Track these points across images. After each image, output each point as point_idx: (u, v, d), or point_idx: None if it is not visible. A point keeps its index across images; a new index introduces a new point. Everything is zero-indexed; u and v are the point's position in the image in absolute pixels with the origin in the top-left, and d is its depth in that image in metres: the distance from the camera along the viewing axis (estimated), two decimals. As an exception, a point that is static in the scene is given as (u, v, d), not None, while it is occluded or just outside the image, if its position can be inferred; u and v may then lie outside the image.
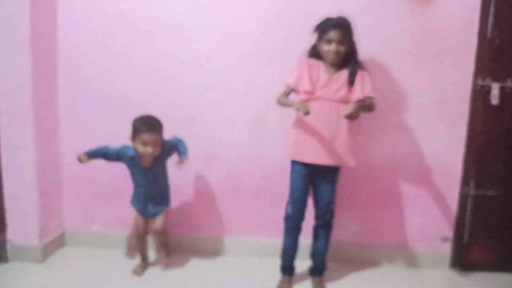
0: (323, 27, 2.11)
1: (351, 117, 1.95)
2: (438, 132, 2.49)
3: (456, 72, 2.42)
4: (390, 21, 2.40)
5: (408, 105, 2.47)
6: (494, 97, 2.37)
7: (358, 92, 2.13)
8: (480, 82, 2.40)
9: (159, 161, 2.32)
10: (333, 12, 2.20)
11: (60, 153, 2.62)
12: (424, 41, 2.41)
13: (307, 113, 1.96)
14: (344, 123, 2.12)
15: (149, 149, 2.18)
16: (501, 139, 2.46)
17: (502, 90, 2.38)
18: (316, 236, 2.31)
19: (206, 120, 2.56)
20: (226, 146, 2.57)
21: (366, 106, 2.12)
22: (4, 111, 2.34)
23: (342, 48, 2.09)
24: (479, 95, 2.42)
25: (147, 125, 2.19)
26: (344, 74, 2.14)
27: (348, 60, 2.15)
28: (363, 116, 2.31)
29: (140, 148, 2.19)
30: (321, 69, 2.15)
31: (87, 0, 2.49)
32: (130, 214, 2.46)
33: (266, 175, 2.57)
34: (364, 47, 2.38)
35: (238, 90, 2.49)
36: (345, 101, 2.12)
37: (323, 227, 2.28)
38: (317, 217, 2.26)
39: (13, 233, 2.44)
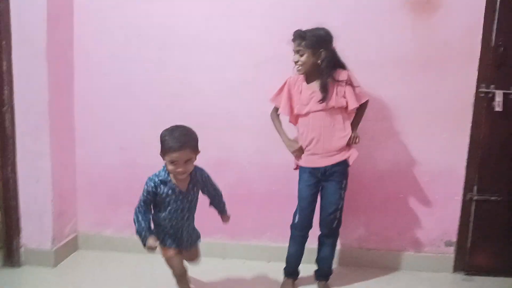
0: (291, 40, 2.06)
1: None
2: (442, 138, 2.41)
3: (460, 79, 2.35)
4: (394, 30, 2.33)
5: (412, 111, 2.40)
6: (498, 104, 2.28)
7: (352, 102, 2.06)
8: (483, 89, 2.32)
9: (195, 184, 1.94)
10: (340, 22, 2.13)
11: (75, 159, 2.57)
12: (428, 49, 2.33)
13: (297, 155, 2.11)
14: (338, 125, 2.07)
15: (179, 169, 1.78)
16: (504, 145, 2.37)
17: (506, 97, 2.30)
18: (321, 244, 2.23)
19: (218, 126, 2.50)
20: (237, 152, 2.51)
21: (360, 116, 2.16)
22: (21, 118, 2.30)
23: (302, 58, 2.01)
24: (483, 101, 2.34)
25: (174, 140, 1.76)
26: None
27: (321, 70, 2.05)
28: (367, 123, 2.28)
29: (169, 167, 1.80)
30: (302, 84, 2.09)
31: (103, 11, 2.45)
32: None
33: (275, 180, 2.50)
34: (368, 56, 2.35)
35: (249, 98, 2.43)
36: (339, 109, 2.06)
37: (328, 236, 2.19)
38: (322, 225, 2.17)
39: (27, 238, 2.38)
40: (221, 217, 2.09)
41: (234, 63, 2.43)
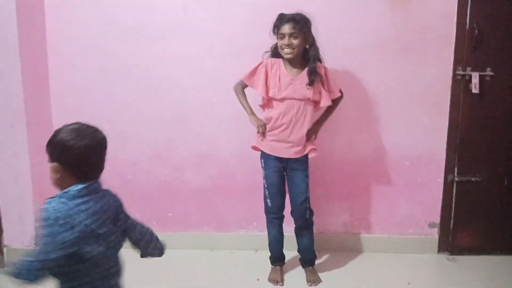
0: (277, 24, 2.01)
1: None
2: (421, 122, 2.42)
3: (437, 63, 2.36)
4: (372, 16, 2.33)
5: (392, 96, 2.40)
6: (475, 86, 2.30)
7: (326, 101, 2.07)
8: (460, 71, 2.34)
9: None
10: (318, 9, 2.12)
11: (54, 157, 2.50)
12: (405, 35, 2.34)
13: (262, 132, 2.08)
14: (308, 118, 2.07)
15: None
16: (483, 126, 2.40)
17: (482, 78, 2.32)
18: (299, 236, 2.23)
19: (198, 119, 2.46)
20: (218, 144, 2.48)
21: (333, 109, 2.16)
22: (-4, 117, 2.22)
23: (295, 41, 1.97)
24: (460, 84, 2.36)
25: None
26: (305, 73, 2.03)
27: (307, 57, 2.04)
28: (347, 109, 2.28)
29: None
30: (282, 68, 2.05)
31: (76, 4, 2.38)
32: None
33: (258, 170, 2.45)
34: (347, 43, 2.35)
35: (229, 89, 2.37)
36: (312, 101, 2.05)
37: (305, 227, 2.19)
38: (296, 217, 2.17)
39: (9, 238, 2.32)
40: None
41: (213, 54, 2.39)
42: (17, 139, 2.24)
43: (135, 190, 2.51)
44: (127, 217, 1.35)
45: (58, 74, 2.44)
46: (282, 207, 2.17)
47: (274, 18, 2.13)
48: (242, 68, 2.32)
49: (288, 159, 2.10)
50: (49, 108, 2.46)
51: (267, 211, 2.20)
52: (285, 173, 2.16)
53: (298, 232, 2.22)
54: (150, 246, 1.38)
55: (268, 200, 2.16)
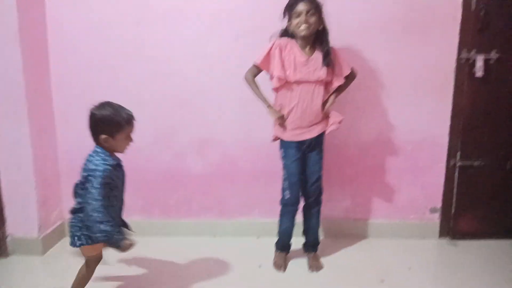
0: (291, 4, 1.96)
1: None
2: (424, 106, 2.38)
3: (441, 45, 2.30)
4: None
5: (394, 79, 2.36)
6: (479, 69, 2.25)
7: (339, 80, 2.04)
8: (465, 55, 2.28)
9: None
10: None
11: (56, 145, 2.48)
12: (409, 16, 2.28)
13: (280, 123, 2.04)
14: (322, 97, 2.03)
15: (131, 140, 1.72)
16: (486, 111, 2.35)
17: (487, 62, 2.26)
18: (307, 215, 2.22)
19: (200, 104, 2.42)
20: (220, 129, 2.44)
21: (345, 87, 2.11)
22: (-3, 105, 2.19)
23: (312, 19, 1.92)
24: (464, 67, 2.30)
25: (123, 113, 1.65)
26: (320, 55, 1.99)
27: (320, 39, 1.99)
28: (350, 93, 2.22)
29: (123, 144, 1.68)
30: (295, 49, 1.99)
31: (74, -11, 2.31)
32: (128, 201, 2.28)
33: (260, 156, 2.45)
34: (350, 24, 2.30)
35: (230, 73, 2.33)
36: (324, 82, 2.01)
37: (314, 205, 2.18)
38: (308, 196, 2.16)
39: (13, 227, 2.31)
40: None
41: (214, 36, 2.33)
42: (19, 126, 2.20)
43: (137, 176, 2.45)
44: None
45: (58, 60, 2.39)
46: (299, 199, 2.15)
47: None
48: (244, 51, 2.28)
49: (310, 143, 2.06)
50: (50, 95, 2.42)
51: (285, 203, 2.15)
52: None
53: (307, 211, 2.21)
54: None
55: (287, 192, 2.11)
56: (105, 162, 1.63)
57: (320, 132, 2.07)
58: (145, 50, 2.36)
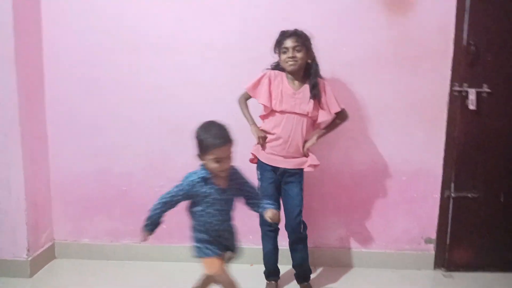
0: (280, 39, 2.03)
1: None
2: (418, 137, 2.39)
3: (434, 78, 2.34)
4: (368, 30, 2.31)
5: (388, 111, 2.38)
6: (471, 103, 2.28)
7: (326, 114, 2.07)
8: (457, 87, 2.32)
9: (234, 180, 1.78)
10: (315, 23, 2.10)
11: (48, 168, 2.47)
12: (402, 49, 2.32)
13: (261, 144, 2.07)
14: (306, 132, 2.06)
15: (226, 165, 1.68)
16: (479, 142, 2.37)
17: (479, 95, 2.29)
18: (293, 250, 2.18)
19: (193, 129, 2.40)
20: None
21: (333, 126, 2.13)
22: (-10, 127, 2.19)
23: (299, 54, 1.99)
24: (457, 100, 2.34)
25: (216, 136, 1.67)
26: (307, 87, 2.04)
27: (309, 72, 2.05)
28: (345, 123, 2.21)
29: (213, 166, 1.66)
30: (284, 81, 2.05)
31: (71, 15, 2.37)
32: (120, 225, 2.27)
33: (254, 182, 2.43)
34: (344, 56, 2.33)
35: (224, 100, 2.36)
36: (311, 117, 2.04)
37: (299, 242, 2.15)
38: (290, 231, 2.12)
39: (1, 249, 2.27)
40: (263, 213, 1.79)
41: (208, 65, 2.37)
42: (11, 149, 2.20)
43: (130, 201, 2.47)
44: None
45: (53, 84, 2.42)
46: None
47: (269, 31, 2.13)
48: (238, 80, 2.30)
49: (284, 172, 2.08)
50: (44, 118, 2.43)
51: (262, 223, 2.15)
52: (281, 191, 2.12)
53: (293, 246, 2.17)
54: None
55: None
56: (192, 174, 1.74)
57: (296, 166, 2.07)
58: (139, 77, 2.39)
